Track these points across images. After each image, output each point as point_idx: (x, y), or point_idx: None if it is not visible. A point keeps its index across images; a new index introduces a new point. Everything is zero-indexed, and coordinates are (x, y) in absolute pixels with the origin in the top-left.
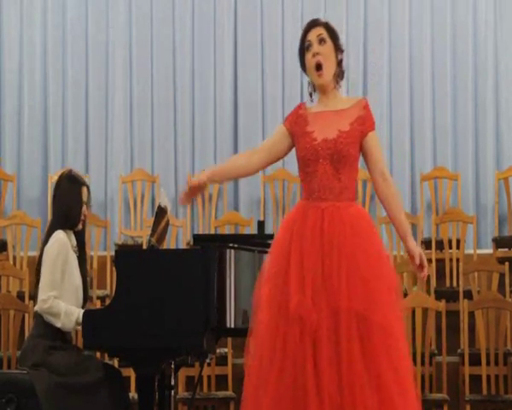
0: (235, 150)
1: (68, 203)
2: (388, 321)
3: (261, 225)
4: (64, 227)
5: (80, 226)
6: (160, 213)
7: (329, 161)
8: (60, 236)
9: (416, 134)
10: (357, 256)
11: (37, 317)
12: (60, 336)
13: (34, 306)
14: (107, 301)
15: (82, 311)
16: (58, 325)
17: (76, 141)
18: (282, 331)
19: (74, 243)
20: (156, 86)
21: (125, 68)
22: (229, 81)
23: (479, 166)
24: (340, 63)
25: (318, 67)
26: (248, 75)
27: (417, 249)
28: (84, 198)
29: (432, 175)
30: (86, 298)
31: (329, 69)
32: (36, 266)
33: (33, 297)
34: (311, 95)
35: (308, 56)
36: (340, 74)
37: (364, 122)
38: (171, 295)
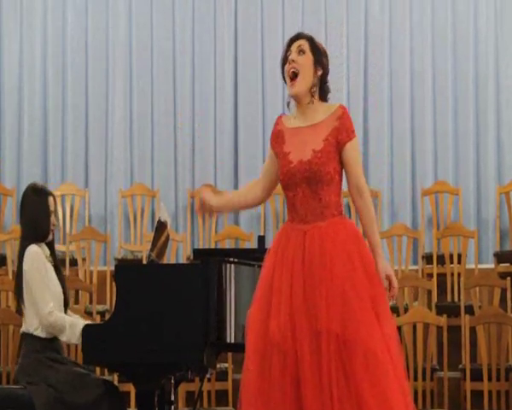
0: (236, 165)
1: (36, 216)
2: (371, 341)
3: (261, 239)
4: (35, 241)
5: (51, 237)
6: (160, 227)
7: (306, 183)
8: (33, 249)
9: (417, 148)
10: (338, 276)
11: (27, 336)
12: (55, 348)
13: (22, 326)
14: (107, 316)
15: (84, 322)
16: (63, 338)
17: (76, 155)
18: (268, 356)
19: (48, 252)
20: (156, 101)
21: (125, 83)
22: (230, 96)
23: (480, 180)
24: (321, 79)
25: (292, 75)
26: (249, 90)
27: (384, 270)
28: (52, 208)
29: (433, 189)
30: (67, 304)
31: (304, 81)
32: (14, 287)
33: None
34: (288, 104)
35: (287, 66)
36: (319, 90)
37: (339, 133)
38: (171, 310)
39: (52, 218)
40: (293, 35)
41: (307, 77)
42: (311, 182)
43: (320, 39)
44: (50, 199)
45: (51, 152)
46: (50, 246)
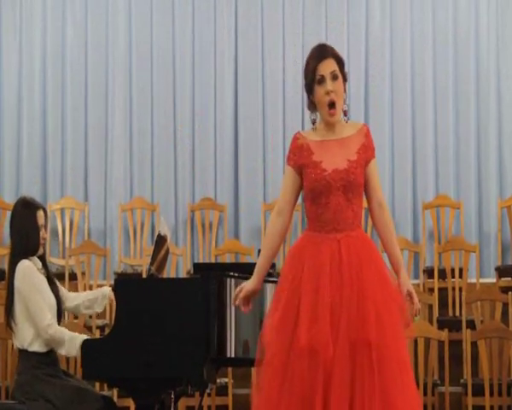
0: (236, 180)
1: (26, 231)
2: (403, 350)
3: None
4: (25, 255)
5: (42, 251)
6: (160, 241)
7: (342, 191)
8: (24, 264)
9: (418, 162)
10: (371, 286)
11: (22, 353)
12: (51, 362)
13: (15, 343)
14: (107, 331)
15: (84, 336)
16: (62, 351)
17: (75, 169)
18: (292, 365)
19: (39, 265)
20: (156, 114)
21: (125, 96)
22: (230, 109)
23: (481, 194)
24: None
25: (332, 105)
26: (249, 104)
27: (407, 286)
28: (41, 222)
29: (434, 203)
30: (60, 315)
31: (340, 106)
32: (5, 303)
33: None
34: (313, 122)
35: (320, 91)
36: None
37: (367, 150)
38: (171, 325)
39: (42, 232)
40: (319, 51)
41: (341, 99)
42: (346, 190)
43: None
44: (40, 213)
45: (51, 165)
46: (42, 259)
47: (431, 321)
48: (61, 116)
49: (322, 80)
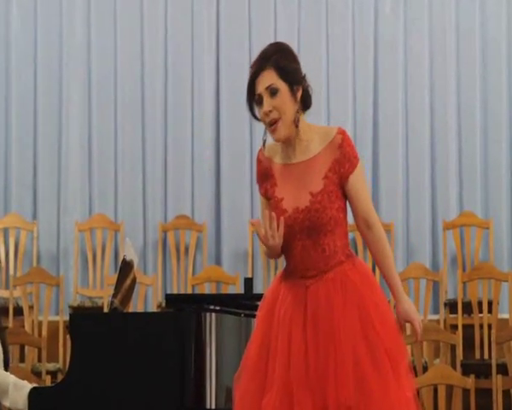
0: (217, 194)
1: None
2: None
3: (249, 282)
4: None
5: None
6: (125, 268)
7: (306, 235)
8: None
9: (438, 172)
10: (349, 331)
11: None
12: None
13: None
14: (60, 377)
15: (32, 385)
16: (6, 402)
17: (21, 182)
18: None
19: None
20: (120, 113)
21: (82, 97)
22: (210, 113)
23: None
24: (304, 94)
25: (272, 123)
26: (233, 107)
27: (404, 316)
28: None
29: (457, 222)
30: (8, 363)
31: (287, 121)
32: None
33: None
34: (264, 143)
35: (260, 112)
36: (304, 106)
37: (342, 165)
38: (137, 370)
39: None
40: (256, 62)
41: (288, 113)
42: (311, 232)
43: (319, 42)
44: None
45: None
46: None
47: (454, 365)
48: (4, 120)
49: (259, 100)
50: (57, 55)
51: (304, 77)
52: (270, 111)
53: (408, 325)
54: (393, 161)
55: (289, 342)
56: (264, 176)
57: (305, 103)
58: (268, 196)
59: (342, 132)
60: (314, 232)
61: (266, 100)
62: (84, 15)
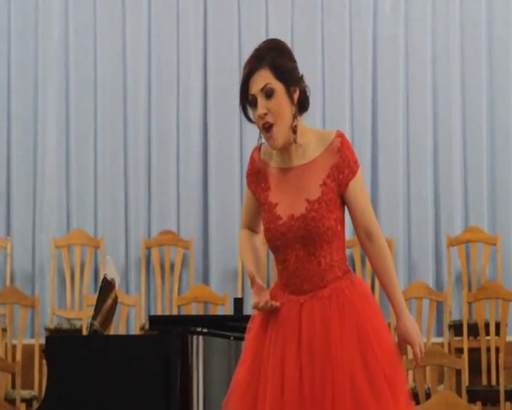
0: (205, 208)
1: None
2: None
3: (239, 303)
4: None
5: None
6: (106, 288)
7: (301, 245)
8: None
9: (442, 183)
10: (346, 356)
11: None
12: None
13: None
14: (35, 406)
15: None
16: None
17: None
18: None
19: None
20: (100, 119)
21: (59, 100)
22: (197, 120)
23: None
24: (301, 95)
25: (268, 128)
26: (221, 115)
27: (404, 335)
28: None
29: (463, 238)
30: None
31: (283, 125)
32: None
33: None
34: (259, 149)
35: (254, 115)
36: (300, 108)
37: (341, 171)
38: (119, 398)
39: None
40: (250, 61)
41: (285, 117)
42: (306, 242)
43: (314, 42)
44: None
45: None
46: None
47: (459, 391)
48: None
49: (253, 102)
50: (32, 57)
51: (301, 77)
52: (265, 114)
53: (410, 347)
54: (393, 171)
55: (282, 368)
56: (256, 176)
57: (303, 105)
58: (260, 200)
59: (341, 135)
60: (309, 243)
61: (261, 102)
62: (61, 12)
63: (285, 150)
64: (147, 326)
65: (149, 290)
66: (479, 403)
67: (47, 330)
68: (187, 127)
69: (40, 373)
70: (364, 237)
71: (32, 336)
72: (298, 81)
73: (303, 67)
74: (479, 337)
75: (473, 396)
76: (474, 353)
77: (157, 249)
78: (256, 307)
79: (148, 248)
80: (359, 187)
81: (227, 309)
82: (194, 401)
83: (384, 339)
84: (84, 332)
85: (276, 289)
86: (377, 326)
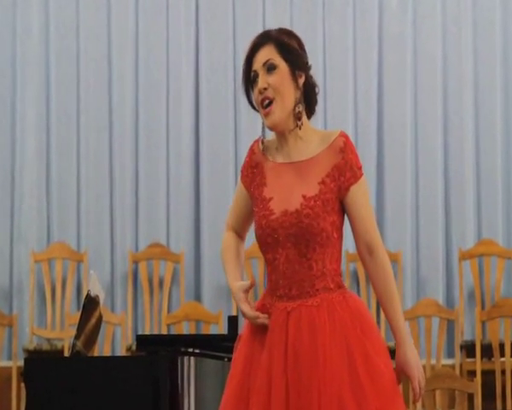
0: (197, 220)
1: None
2: None
3: (233, 321)
4: None
5: None
6: (90, 305)
7: (292, 243)
8: None
9: (453, 193)
10: (335, 376)
11: None
12: None
13: None
14: None
15: None
16: None
17: None
18: None
19: None
20: (84, 124)
21: (39, 104)
22: (189, 125)
23: None
24: (305, 86)
25: (266, 105)
26: (215, 118)
27: (402, 366)
28: None
29: (475, 252)
30: None
31: (283, 104)
32: None
33: None
34: (262, 142)
35: (255, 92)
36: (306, 101)
37: (343, 173)
38: None
39: None
40: (256, 39)
41: (287, 97)
42: (298, 241)
43: (315, 40)
44: None
45: None
46: None
47: None
48: None
49: (255, 77)
50: (10, 58)
51: (308, 65)
52: (265, 89)
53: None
54: (400, 178)
55: (269, 378)
56: (252, 169)
57: (308, 98)
58: (254, 196)
59: (345, 136)
60: (301, 242)
61: (262, 76)
62: (40, 9)
63: (285, 143)
64: (134, 347)
65: (137, 308)
66: None
67: (25, 351)
68: (177, 133)
69: (18, 398)
70: (365, 251)
71: (10, 358)
72: (304, 67)
73: None
74: (493, 359)
75: None
76: (488, 375)
77: (145, 263)
78: (244, 316)
79: (136, 263)
80: (361, 193)
81: (220, 328)
82: None
83: (375, 368)
84: (66, 353)
85: (265, 298)
86: (368, 352)
